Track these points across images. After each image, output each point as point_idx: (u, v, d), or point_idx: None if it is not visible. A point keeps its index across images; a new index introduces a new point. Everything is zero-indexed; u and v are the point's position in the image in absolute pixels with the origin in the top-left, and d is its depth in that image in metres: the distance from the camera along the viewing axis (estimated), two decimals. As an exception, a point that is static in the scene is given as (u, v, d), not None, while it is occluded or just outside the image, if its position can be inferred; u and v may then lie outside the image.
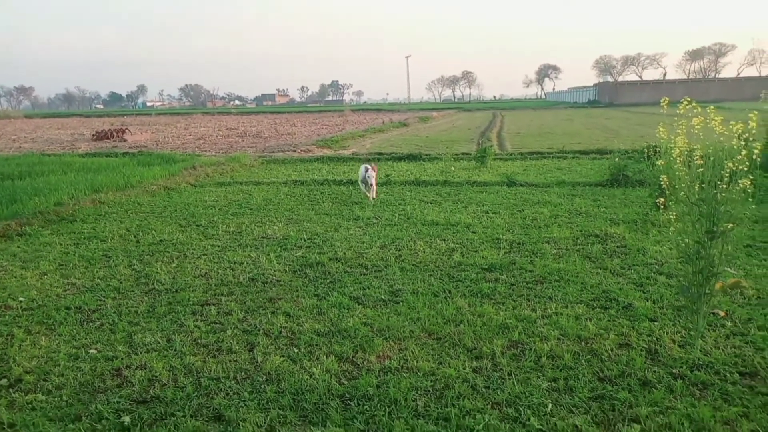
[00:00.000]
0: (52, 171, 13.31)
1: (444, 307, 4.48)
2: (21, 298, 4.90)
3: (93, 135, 26.05)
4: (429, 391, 3.24)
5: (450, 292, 4.85)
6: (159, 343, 3.95)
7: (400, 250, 6.21)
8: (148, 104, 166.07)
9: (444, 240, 6.55)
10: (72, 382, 3.39)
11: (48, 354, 3.79)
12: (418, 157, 15.17)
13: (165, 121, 45.33)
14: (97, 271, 5.67)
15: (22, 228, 7.59)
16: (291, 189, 10.90)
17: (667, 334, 3.88)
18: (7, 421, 2.99)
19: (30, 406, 3.13)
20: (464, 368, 3.49)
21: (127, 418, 2.94)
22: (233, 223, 7.77)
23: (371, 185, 9.19)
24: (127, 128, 28.01)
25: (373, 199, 9.20)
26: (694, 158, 3.49)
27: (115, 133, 25.79)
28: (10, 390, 3.32)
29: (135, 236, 7.13)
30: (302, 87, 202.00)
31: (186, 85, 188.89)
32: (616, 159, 10.20)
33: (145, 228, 7.57)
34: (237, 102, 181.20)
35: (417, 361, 3.59)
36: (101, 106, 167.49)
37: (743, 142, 3.36)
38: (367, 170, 9.27)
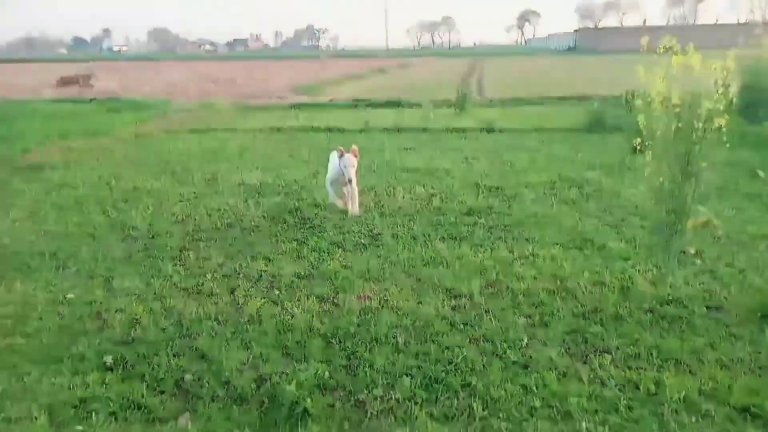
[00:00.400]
0: (16, 118, 12.76)
1: (423, 250, 4.53)
2: (-8, 246, 4.79)
3: (58, 81, 24.88)
4: (409, 328, 3.31)
5: (429, 235, 4.89)
6: (138, 287, 3.93)
7: (379, 196, 6.19)
8: (115, 49, 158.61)
9: (423, 186, 6.55)
10: (51, 325, 3.37)
11: (25, 299, 3.74)
12: (397, 103, 14.94)
13: (133, 67, 43.50)
14: (70, 218, 5.54)
15: (-12, 176, 7.33)
16: (267, 136, 10.69)
17: (639, 272, 4.00)
18: (-14, 363, 2.97)
19: (10, 349, 3.11)
20: (443, 307, 3.57)
21: (109, 359, 2.94)
22: (209, 170, 7.62)
23: (350, 181, 5.19)
24: (93, 74, 26.80)
25: (354, 212, 5.37)
26: (672, 98, 3.49)
27: (81, 79, 24.68)
28: (-13, 335, 3.29)
29: (107, 183, 6.95)
30: (276, 32, 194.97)
31: (154, 29, 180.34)
32: (595, 105, 10.21)
33: (118, 175, 7.37)
34: (208, 47, 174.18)
35: (397, 301, 3.65)
36: (65, 51, 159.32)
37: (721, 81, 3.37)
38: (341, 155, 5.23)
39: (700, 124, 3.39)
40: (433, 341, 3.16)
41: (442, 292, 3.80)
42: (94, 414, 2.51)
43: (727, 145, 3.42)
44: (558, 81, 22.03)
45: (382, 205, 5.81)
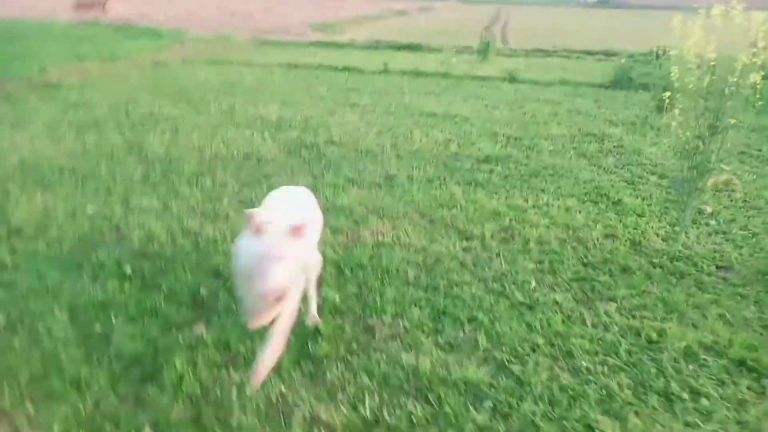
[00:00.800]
0: (31, 37, 12.61)
1: (438, 193, 4.54)
2: (13, 157, 4.85)
3: (73, 4, 24.34)
4: (420, 264, 3.37)
5: (445, 179, 4.88)
6: (155, 207, 4.00)
7: (396, 138, 6.15)
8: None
9: (441, 131, 6.48)
10: (71, 235, 3.46)
11: (45, 210, 3.82)
12: (418, 47, 14.59)
13: (149, -6, 42.29)
14: (88, 138, 5.57)
15: (6, 92, 7.33)
16: (285, 72, 10.55)
17: (652, 228, 4.00)
18: (11, 264, 3.08)
19: (32, 252, 3.22)
20: (455, 247, 3.61)
21: (128, 269, 3.04)
22: (226, 101, 7.57)
23: (275, 299, 1.97)
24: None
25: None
26: (708, 51, 3.38)
27: (95, 3, 24.10)
28: (11, 238, 3.39)
29: (125, 107, 6.93)
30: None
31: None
32: (622, 61, 9.90)
33: (134, 100, 7.35)
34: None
35: (410, 239, 3.70)
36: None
37: (762, 35, 3.24)
38: (257, 229, 1.90)
39: (735, 80, 3.29)
40: (442, 278, 3.22)
41: (455, 233, 3.83)
42: (113, 317, 2.62)
43: (760, 102, 3.34)
44: (585, 34, 21.26)
45: (399, 147, 5.79)
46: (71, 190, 4.22)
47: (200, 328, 2.56)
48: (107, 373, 2.27)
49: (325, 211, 4.05)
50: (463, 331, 2.72)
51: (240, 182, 4.61)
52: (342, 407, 2.19)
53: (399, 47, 14.56)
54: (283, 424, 2.11)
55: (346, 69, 10.94)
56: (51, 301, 2.72)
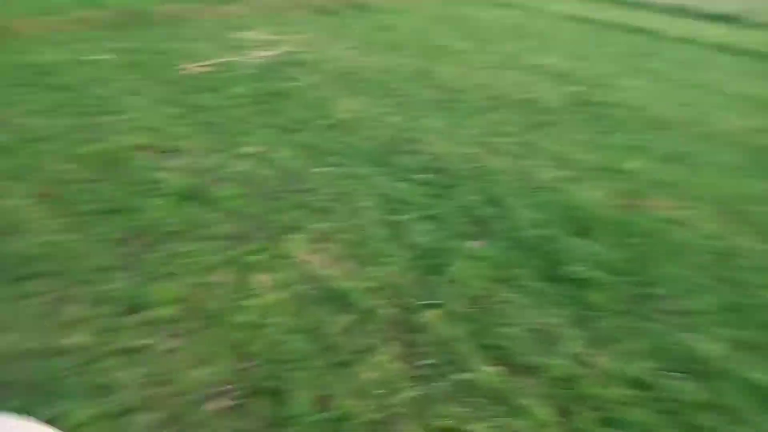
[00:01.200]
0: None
1: (744, 184, 3.92)
2: (334, 64, 5.71)
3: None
4: (711, 252, 3.00)
5: (757, 171, 4.18)
6: (443, 131, 4.30)
7: (696, 114, 5.42)
8: None
9: (759, 118, 5.48)
10: (376, 138, 3.99)
11: (356, 112, 4.44)
12: (736, 19, 12.26)
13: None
14: (391, 56, 6.21)
15: (330, 7, 8.59)
16: (572, 24, 10.02)
17: None
18: (330, 151, 3.69)
19: (348, 144, 3.81)
20: (757, 246, 3.11)
21: (419, 177, 3.40)
22: (510, 45, 7.57)
23: None
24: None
25: None
26: None
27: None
28: (331, 130, 4.05)
29: (421, 35, 7.51)
30: None
31: None
32: None
33: (429, 30, 7.89)
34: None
35: (701, 223, 3.30)
36: None
37: None
38: None
39: None
40: (738, 274, 2.82)
41: (759, 231, 3.29)
42: (407, 213, 2.99)
43: None
44: None
45: (696, 124, 5.10)
46: (375, 100, 4.81)
47: (480, 243, 2.75)
48: (400, 258, 2.63)
49: (605, 171, 3.90)
50: (761, 334, 2.37)
51: (519, 125, 4.64)
52: (611, 357, 2.15)
53: (710, 16, 12.45)
54: (546, 350, 2.17)
55: (641, 31, 9.87)
56: (361, 186, 3.23)
